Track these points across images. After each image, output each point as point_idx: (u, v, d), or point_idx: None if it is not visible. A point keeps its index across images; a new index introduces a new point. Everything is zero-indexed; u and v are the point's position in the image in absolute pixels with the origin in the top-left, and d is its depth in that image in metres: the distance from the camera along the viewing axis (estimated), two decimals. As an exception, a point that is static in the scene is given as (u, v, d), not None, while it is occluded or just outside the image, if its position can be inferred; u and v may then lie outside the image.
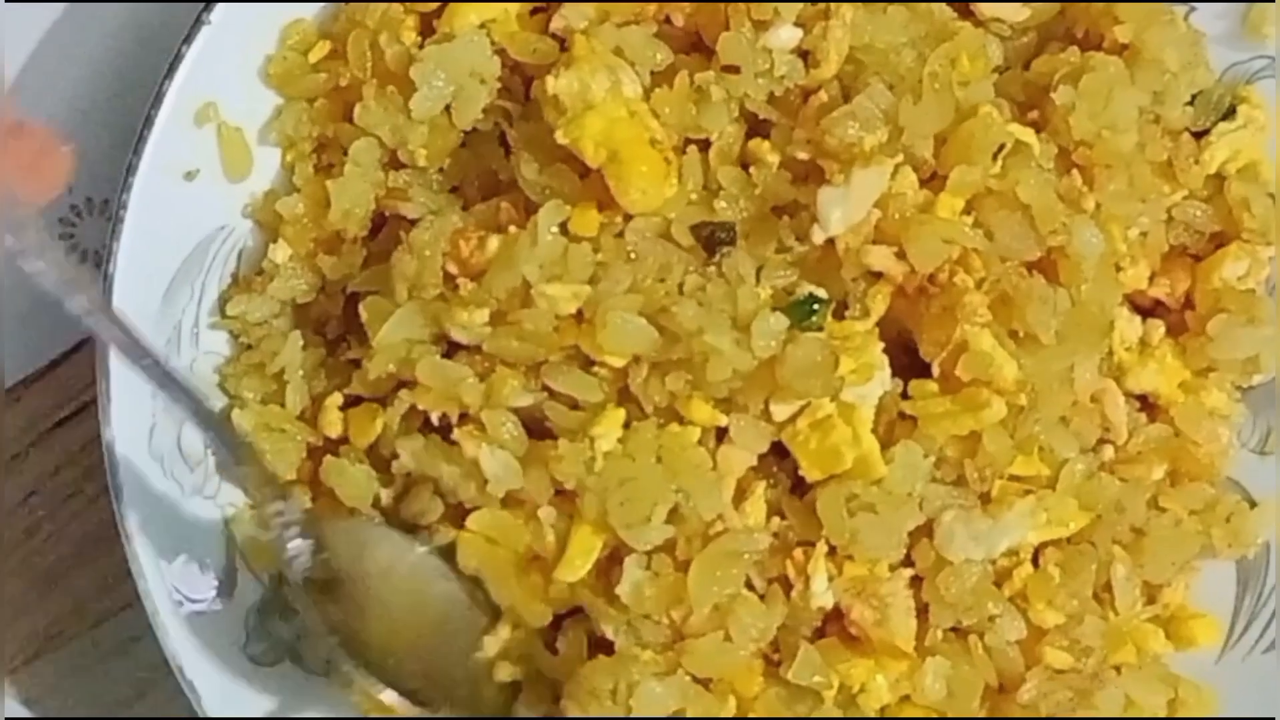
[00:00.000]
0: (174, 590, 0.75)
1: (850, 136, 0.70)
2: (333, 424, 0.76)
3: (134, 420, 0.75)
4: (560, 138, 0.71)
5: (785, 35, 0.72)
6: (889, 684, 0.72)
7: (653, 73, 0.74)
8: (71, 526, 0.87)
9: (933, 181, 0.71)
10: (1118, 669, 0.75)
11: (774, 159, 0.72)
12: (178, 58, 0.74)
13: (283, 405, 0.77)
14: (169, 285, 0.76)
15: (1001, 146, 0.70)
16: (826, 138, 0.70)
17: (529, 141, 0.74)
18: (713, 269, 0.71)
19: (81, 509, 0.87)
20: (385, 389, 0.75)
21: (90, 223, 0.89)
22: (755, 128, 0.74)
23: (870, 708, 0.73)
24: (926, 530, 0.72)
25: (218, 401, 0.77)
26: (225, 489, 0.78)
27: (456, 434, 0.73)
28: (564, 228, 0.71)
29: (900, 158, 0.70)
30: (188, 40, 0.74)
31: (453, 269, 0.72)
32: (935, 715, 0.74)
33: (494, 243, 0.71)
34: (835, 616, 0.73)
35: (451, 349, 0.73)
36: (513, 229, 0.72)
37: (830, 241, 0.71)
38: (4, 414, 0.86)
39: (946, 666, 0.73)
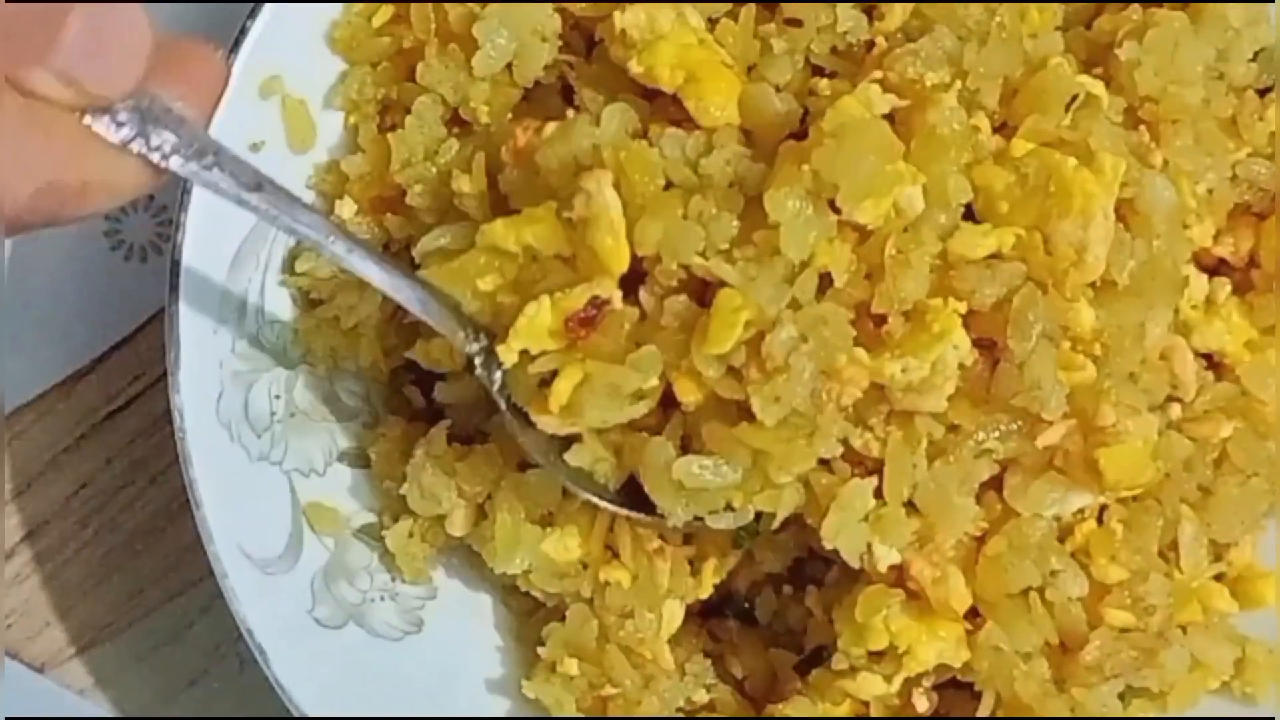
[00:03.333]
0: (242, 555, 0.75)
1: (912, 73, 0.69)
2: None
3: (202, 387, 0.76)
4: (634, 67, 0.71)
5: (850, -12, 0.72)
6: (939, 648, 0.72)
7: (711, 20, 0.74)
8: (123, 516, 0.89)
9: (1003, 131, 0.71)
10: (1183, 629, 0.75)
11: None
12: (242, 32, 0.75)
13: (355, 361, 0.78)
14: (235, 255, 0.77)
15: (1074, 98, 0.69)
16: (888, 74, 0.69)
17: (593, 81, 0.75)
18: None
19: (133, 499, 0.89)
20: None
21: (136, 218, 0.90)
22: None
23: (912, 670, 0.72)
24: (994, 484, 0.71)
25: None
26: (291, 454, 0.78)
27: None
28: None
29: (958, 85, 0.69)
30: (252, 15, 0.75)
31: (507, 158, 0.72)
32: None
33: (550, 128, 0.71)
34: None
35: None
36: (570, 113, 0.72)
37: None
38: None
39: (1001, 638, 0.72)
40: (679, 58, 0.71)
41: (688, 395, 0.69)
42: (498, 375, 0.72)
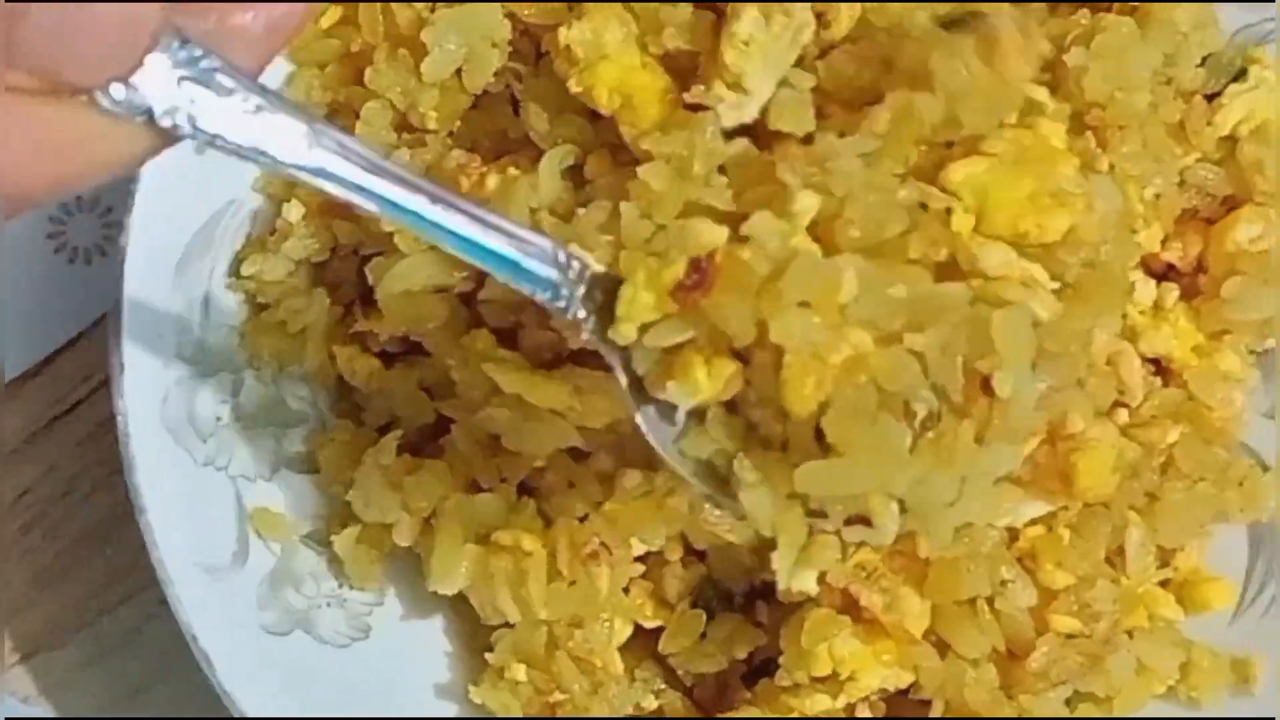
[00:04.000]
0: (187, 561, 0.74)
1: (848, 71, 0.68)
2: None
3: (146, 392, 0.75)
4: (573, 86, 0.71)
5: (798, -3, 0.71)
6: (883, 674, 0.72)
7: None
8: (68, 522, 0.88)
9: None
10: (1129, 634, 0.75)
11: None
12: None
13: (301, 365, 0.77)
14: (182, 258, 0.76)
15: (1017, 106, 0.69)
16: (823, 80, 0.68)
17: (538, 96, 0.74)
18: None
19: (77, 504, 0.88)
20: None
21: (80, 219, 0.89)
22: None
23: (855, 696, 0.72)
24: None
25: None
26: (236, 460, 0.78)
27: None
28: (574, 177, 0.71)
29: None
30: (196, 14, 0.74)
31: None
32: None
33: (493, 180, 0.71)
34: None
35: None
36: (513, 170, 0.71)
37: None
38: (2, 409, 0.86)
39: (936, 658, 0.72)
40: (619, 80, 0.70)
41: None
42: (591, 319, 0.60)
